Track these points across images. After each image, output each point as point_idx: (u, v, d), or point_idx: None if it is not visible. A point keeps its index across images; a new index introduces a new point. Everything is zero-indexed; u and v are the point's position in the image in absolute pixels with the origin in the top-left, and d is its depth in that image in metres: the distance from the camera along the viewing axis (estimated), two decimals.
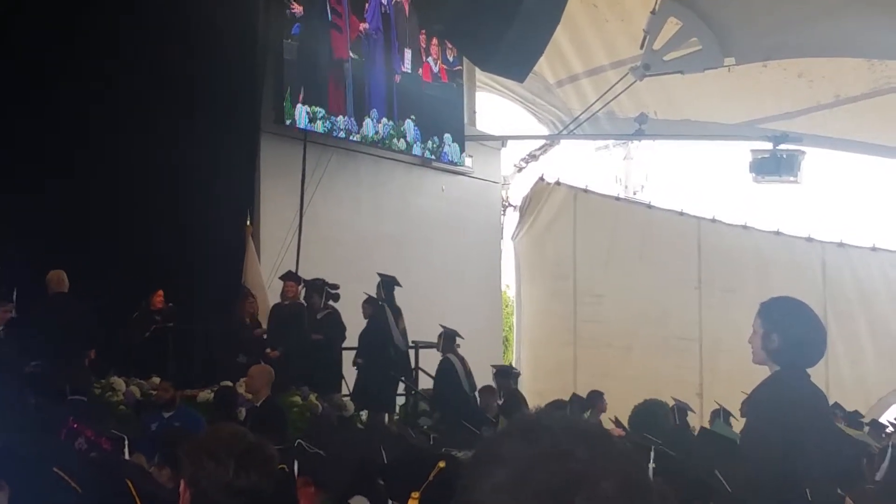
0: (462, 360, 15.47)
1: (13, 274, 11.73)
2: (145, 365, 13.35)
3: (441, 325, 15.56)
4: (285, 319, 14.78)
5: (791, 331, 4.71)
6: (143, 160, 14.59)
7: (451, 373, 15.14)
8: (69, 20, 14.29)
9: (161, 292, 14.44)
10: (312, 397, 13.88)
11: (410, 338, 15.68)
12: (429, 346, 15.98)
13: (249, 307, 15.12)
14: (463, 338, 15.62)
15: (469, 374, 15.56)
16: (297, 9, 17.03)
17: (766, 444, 4.64)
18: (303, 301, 15.13)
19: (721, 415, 14.93)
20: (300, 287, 15.20)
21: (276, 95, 16.86)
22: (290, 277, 15.32)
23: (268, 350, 14.28)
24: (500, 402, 15.36)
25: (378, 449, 7.25)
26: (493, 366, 16.23)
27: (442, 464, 5.23)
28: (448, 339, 15.44)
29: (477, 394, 15.43)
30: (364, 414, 14.65)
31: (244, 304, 15.14)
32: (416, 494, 5.08)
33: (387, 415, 15.02)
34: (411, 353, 15.95)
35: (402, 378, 15.44)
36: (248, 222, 16.59)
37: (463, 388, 15.11)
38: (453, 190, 20.42)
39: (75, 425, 8.11)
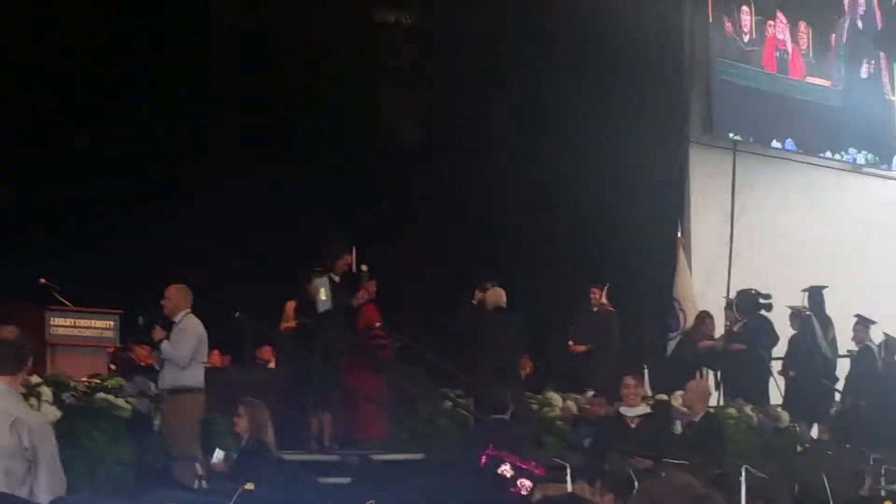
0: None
1: None
2: (579, 378, 13.54)
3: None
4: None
5: None
6: (564, 171, 15.20)
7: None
8: None
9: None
10: (747, 409, 13.71)
11: (842, 348, 15.33)
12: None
13: (707, 329, 15.20)
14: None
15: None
16: (728, 26, 17.03)
17: None
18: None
19: None
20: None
21: (702, 105, 16.91)
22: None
23: None
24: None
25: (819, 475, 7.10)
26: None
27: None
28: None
29: None
30: (797, 427, 14.32)
31: (702, 326, 15.21)
32: None
33: (817, 425, 14.79)
34: (845, 361, 15.46)
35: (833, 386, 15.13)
36: (679, 233, 16.66)
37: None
38: (886, 195, 19.57)
39: (493, 451, 7.88)
